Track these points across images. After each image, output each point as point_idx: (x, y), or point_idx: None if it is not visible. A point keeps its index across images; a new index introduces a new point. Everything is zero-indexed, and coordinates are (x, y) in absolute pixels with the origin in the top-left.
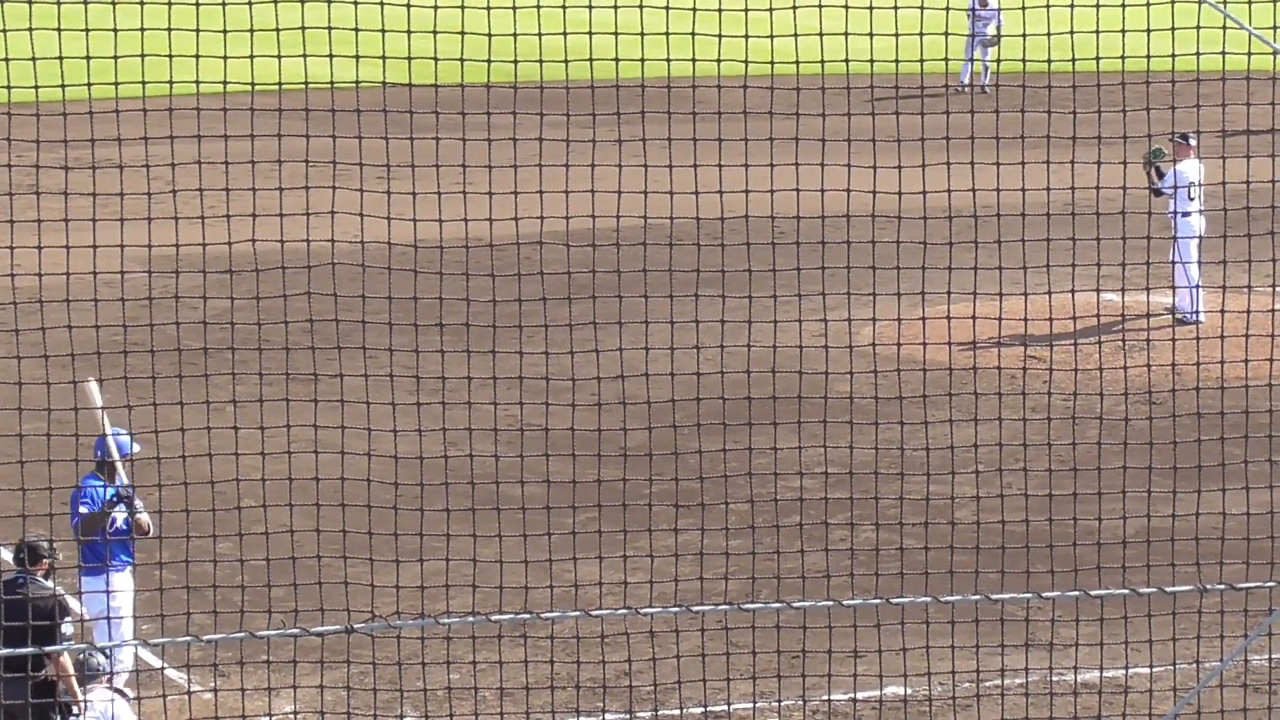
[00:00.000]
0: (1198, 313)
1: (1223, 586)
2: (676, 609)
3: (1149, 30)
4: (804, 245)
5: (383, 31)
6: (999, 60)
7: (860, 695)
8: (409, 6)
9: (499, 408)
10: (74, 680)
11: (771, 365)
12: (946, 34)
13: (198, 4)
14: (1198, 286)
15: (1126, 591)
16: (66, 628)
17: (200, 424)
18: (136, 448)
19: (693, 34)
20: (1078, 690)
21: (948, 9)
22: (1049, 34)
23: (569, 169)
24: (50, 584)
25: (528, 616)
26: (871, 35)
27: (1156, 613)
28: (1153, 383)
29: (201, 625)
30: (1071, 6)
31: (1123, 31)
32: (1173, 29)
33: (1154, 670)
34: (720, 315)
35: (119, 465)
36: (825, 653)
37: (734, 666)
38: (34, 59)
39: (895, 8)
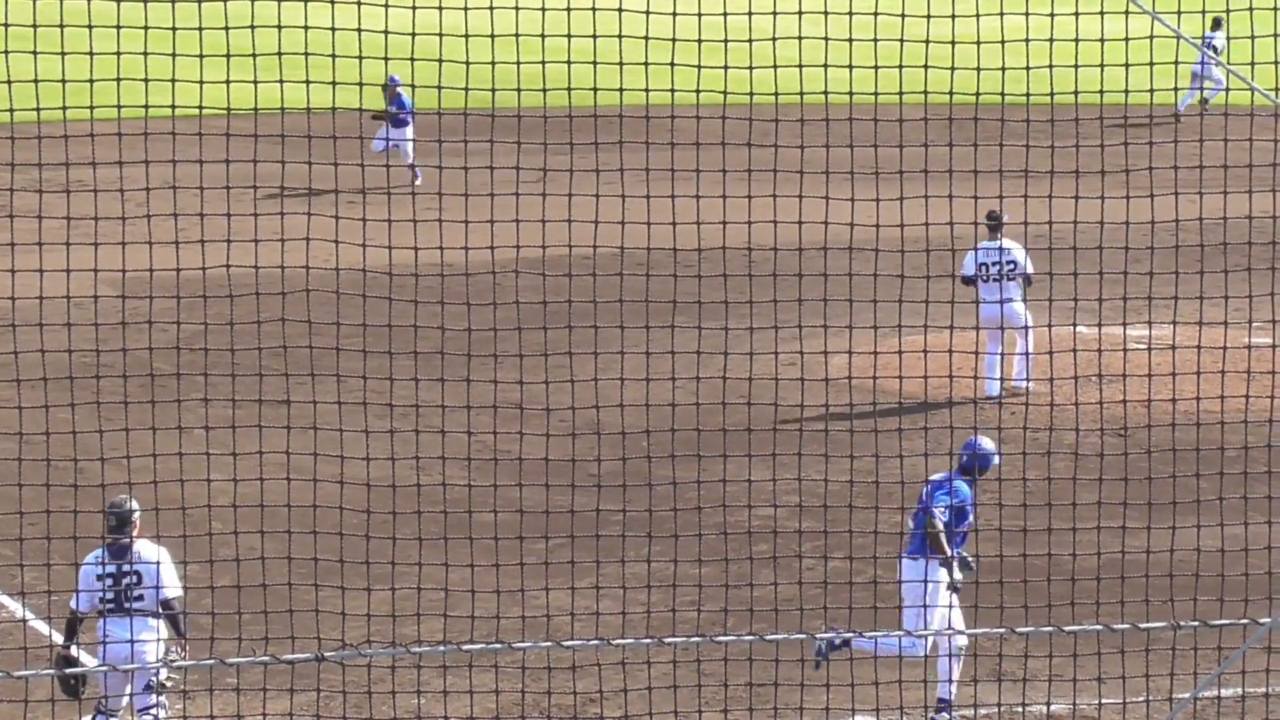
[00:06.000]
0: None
1: (1196, 623)
2: (649, 640)
3: (1127, 65)
4: (780, 277)
5: (360, 58)
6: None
7: None
8: (386, 33)
9: (472, 435)
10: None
11: (746, 396)
12: (925, 66)
13: (174, 28)
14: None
15: (1100, 627)
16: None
17: (172, 448)
18: None
19: (672, 64)
20: None
21: (927, 41)
22: (1027, 68)
23: (545, 197)
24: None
25: (499, 646)
26: (851, 68)
27: (1130, 648)
28: (1127, 417)
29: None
30: (1050, 41)
31: (1101, 66)
32: (1150, 64)
33: (1126, 703)
34: (695, 346)
35: None
36: (797, 684)
37: (705, 697)
38: (9, 81)
39: (875, 40)
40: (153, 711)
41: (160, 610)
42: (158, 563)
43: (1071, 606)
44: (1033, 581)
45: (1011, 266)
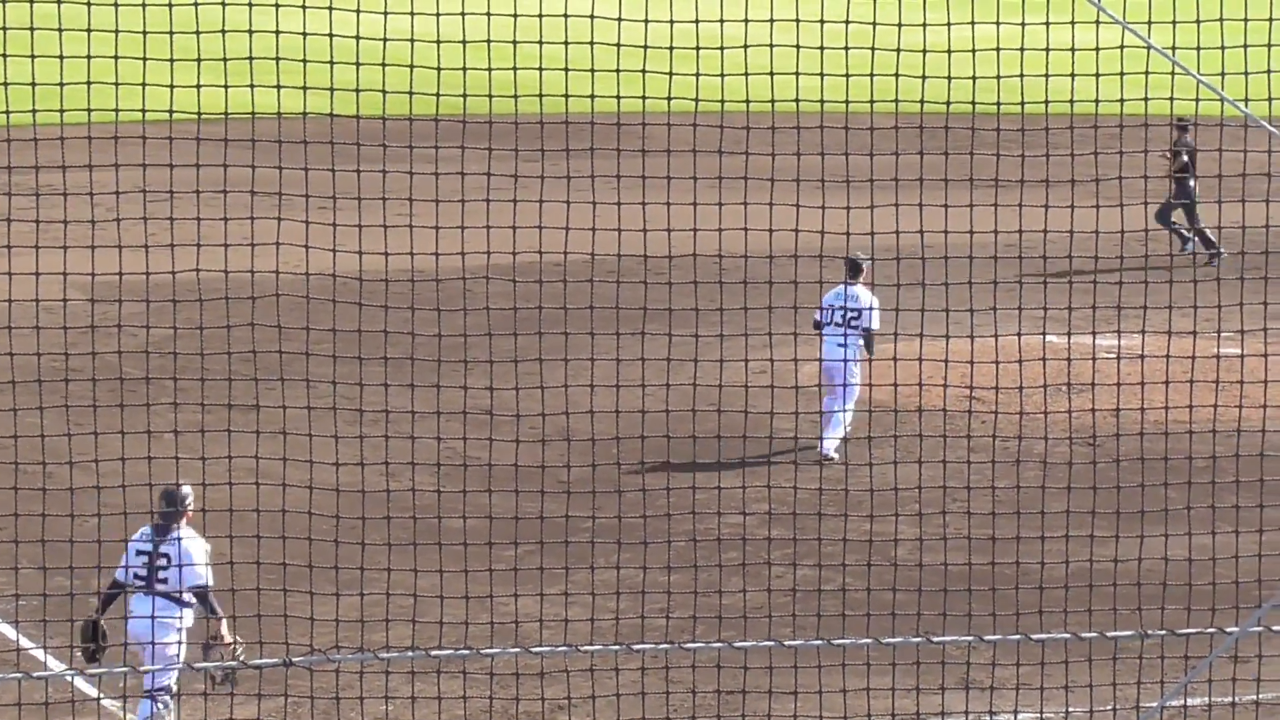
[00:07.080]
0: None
1: (1163, 632)
2: (617, 647)
3: (1098, 75)
4: (751, 284)
5: (331, 63)
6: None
7: None
8: (358, 39)
9: (442, 441)
10: None
11: (716, 403)
12: (896, 75)
13: (144, 32)
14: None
15: (1068, 636)
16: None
17: (141, 453)
18: None
19: (643, 71)
20: None
21: (898, 50)
22: (999, 76)
23: (516, 204)
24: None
25: (467, 652)
26: (822, 75)
27: (1097, 656)
28: (1096, 426)
29: (138, 655)
30: (1021, 50)
31: (1071, 76)
32: (1121, 74)
33: (1094, 712)
34: (665, 353)
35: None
36: (765, 692)
37: (673, 704)
38: None
39: (846, 48)
40: (162, 698)
41: (184, 596)
42: (189, 551)
43: (1039, 615)
44: (1001, 590)
45: (855, 316)
